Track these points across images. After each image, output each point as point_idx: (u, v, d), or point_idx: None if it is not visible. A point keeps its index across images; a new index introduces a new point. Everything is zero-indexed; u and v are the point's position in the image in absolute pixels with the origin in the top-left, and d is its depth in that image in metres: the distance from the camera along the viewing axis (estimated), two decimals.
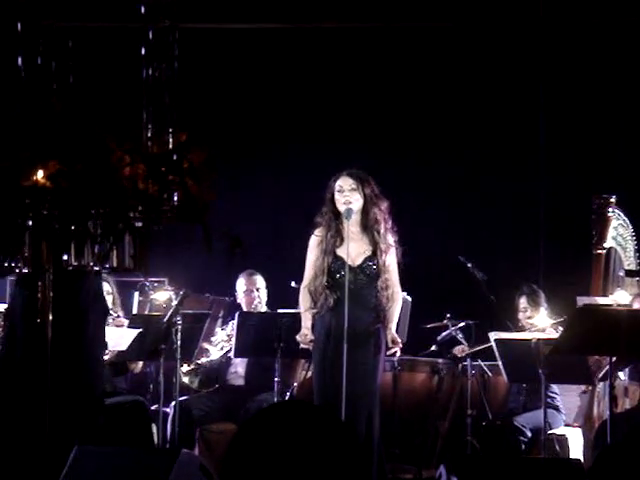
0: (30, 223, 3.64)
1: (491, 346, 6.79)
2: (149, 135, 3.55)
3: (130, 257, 3.64)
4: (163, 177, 3.44)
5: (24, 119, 3.74)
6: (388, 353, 6.33)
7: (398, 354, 6.40)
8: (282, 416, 2.08)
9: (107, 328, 6.71)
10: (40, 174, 3.54)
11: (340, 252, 6.26)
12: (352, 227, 6.25)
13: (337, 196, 6.28)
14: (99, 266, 3.62)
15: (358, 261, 6.26)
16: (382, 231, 6.28)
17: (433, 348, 7.57)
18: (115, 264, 3.63)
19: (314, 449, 2.03)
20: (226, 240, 3.77)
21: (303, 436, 2.03)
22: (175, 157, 3.49)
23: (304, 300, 6.34)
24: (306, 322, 6.31)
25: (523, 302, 7.37)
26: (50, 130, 3.59)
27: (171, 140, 3.53)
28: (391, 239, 6.30)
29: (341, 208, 6.26)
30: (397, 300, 6.30)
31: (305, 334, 6.28)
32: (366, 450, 5.78)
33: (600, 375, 6.66)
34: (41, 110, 3.68)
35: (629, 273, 7.19)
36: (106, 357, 6.82)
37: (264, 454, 2.04)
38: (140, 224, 3.73)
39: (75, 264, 3.59)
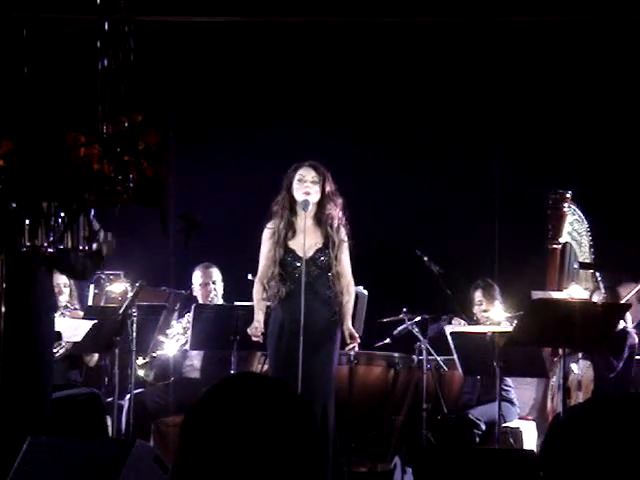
0: None
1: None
2: (104, 116, 3.53)
3: (84, 238, 3.63)
4: (119, 157, 3.42)
5: None
6: (347, 348, 6.34)
7: (356, 349, 6.41)
8: (236, 389, 2.06)
9: (63, 319, 6.72)
10: None
11: (292, 244, 6.26)
12: (306, 220, 6.24)
13: (296, 185, 6.26)
14: (53, 247, 3.59)
15: (309, 253, 6.25)
16: (335, 226, 6.29)
17: (387, 341, 7.55)
18: (70, 245, 3.61)
19: (269, 423, 2.02)
20: (183, 223, 3.76)
21: (258, 409, 2.02)
22: (131, 138, 3.48)
23: (257, 292, 6.34)
24: (258, 315, 6.30)
25: (478, 295, 7.39)
26: (4, 110, 3.57)
27: (126, 122, 3.52)
28: (344, 234, 6.31)
29: (299, 198, 6.25)
30: (352, 293, 6.33)
31: (256, 327, 6.27)
32: (321, 439, 5.79)
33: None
34: None
35: (583, 265, 7.25)
36: (62, 350, 6.79)
37: (218, 429, 2.02)
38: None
39: (28, 244, 3.56)
